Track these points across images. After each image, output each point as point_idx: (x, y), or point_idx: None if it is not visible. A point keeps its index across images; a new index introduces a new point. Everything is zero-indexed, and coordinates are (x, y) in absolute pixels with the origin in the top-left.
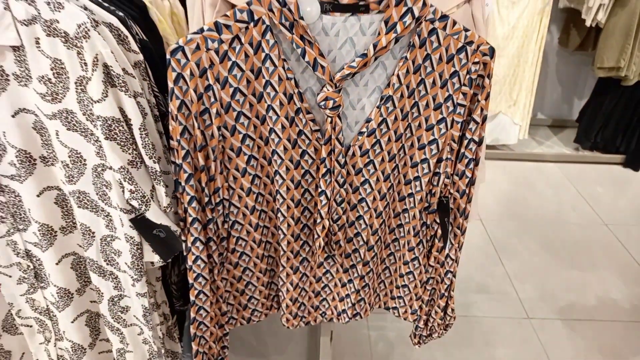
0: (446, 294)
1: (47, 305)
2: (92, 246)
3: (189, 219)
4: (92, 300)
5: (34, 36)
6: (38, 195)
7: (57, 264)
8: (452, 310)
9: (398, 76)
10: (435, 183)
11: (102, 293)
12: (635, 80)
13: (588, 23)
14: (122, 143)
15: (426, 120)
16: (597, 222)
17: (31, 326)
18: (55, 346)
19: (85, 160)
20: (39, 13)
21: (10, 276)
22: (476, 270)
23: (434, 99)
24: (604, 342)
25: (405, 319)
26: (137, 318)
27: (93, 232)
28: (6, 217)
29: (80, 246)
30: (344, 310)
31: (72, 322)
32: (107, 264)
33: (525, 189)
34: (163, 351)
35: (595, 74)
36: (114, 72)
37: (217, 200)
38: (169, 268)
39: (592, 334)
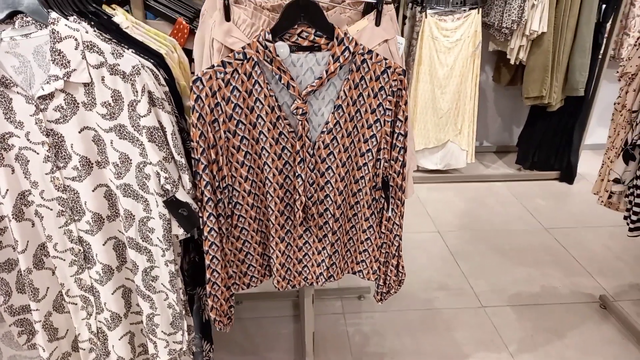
0: (397, 254)
1: (92, 283)
2: (132, 227)
3: (205, 199)
4: (126, 277)
5: (100, 75)
6: (93, 191)
7: (103, 244)
8: (403, 267)
9: (344, 91)
10: (378, 167)
11: (138, 266)
12: (557, 105)
13: (512, 61)
14: (159, 144)
15: (367, 121)
16: (539, 228)
17: (76, 304)
18: (95, 319)
19: (131, 160)
20: (106, 60)
21: (64, 260)
22: (436, 273)
23: (370, 106)
24: (548, 321)
25: (368, 279)
26: (164, 285)
27: (134, 215)
28: (66, 210)
29: (120, 232)
30: (321, 274)
31: (112, 293)
32: (143, 241)
33: (476, 205)
34: (184, 312)
35: (525, 104)
36: (155, 96)
37: (224, 185)
38: (181, 256)
39: (537, 316)
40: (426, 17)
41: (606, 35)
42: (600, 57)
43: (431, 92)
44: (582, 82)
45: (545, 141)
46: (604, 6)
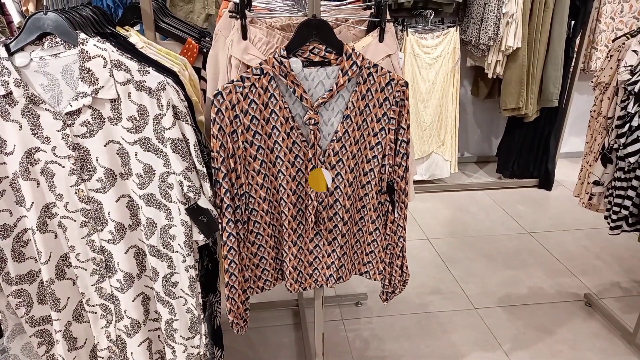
0: (401, 255)
1: (112, 292)
2: (153, 235)
3: (224, 206)
4: (146, 284)
5: (127, 91)
6: (116, 201)
7: (125, 253)
8: (407, 267)
9: (352, 102)
10: (383, 172)
11: (158, 272)
12: (534, 116)
13: (490, 76)
14: (183, 155)
15: (372, 130)
16: (522, 233)
17: (96, 313)
18: (115, 327)
19: (154, 170)
20: (132, 77)
21: (85, 269)
22: (429, 278)
23: (375, 115)
24: (537, 320)
25: (374, 279)
26: (183, 290)
27: (155, 224)
28: (89, 221)
29: (141, 240)
30: (330, 275)
31: (133, 300)
32: (164, 248)
33: (461, 213)
34: (202, 317)
35: (503, 115)
36: (179, 110)
37: (242, 192)
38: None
39: (527, 315)
40: (407, 35)
41: (576, 49)
42: (571, 69)
43: (414, 106)
44: (556, 93)
45: (523, 150)
46: (572, 22)
